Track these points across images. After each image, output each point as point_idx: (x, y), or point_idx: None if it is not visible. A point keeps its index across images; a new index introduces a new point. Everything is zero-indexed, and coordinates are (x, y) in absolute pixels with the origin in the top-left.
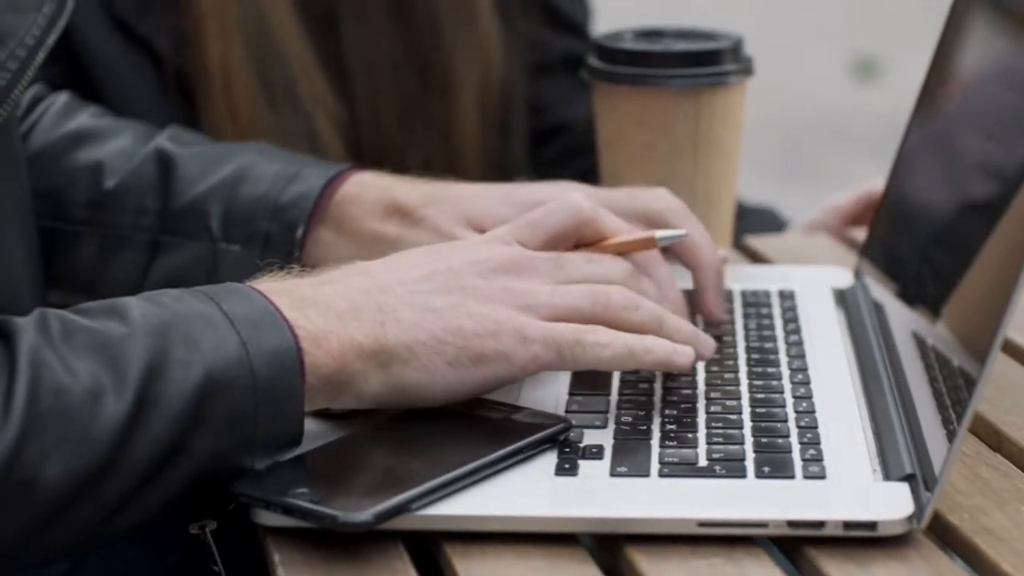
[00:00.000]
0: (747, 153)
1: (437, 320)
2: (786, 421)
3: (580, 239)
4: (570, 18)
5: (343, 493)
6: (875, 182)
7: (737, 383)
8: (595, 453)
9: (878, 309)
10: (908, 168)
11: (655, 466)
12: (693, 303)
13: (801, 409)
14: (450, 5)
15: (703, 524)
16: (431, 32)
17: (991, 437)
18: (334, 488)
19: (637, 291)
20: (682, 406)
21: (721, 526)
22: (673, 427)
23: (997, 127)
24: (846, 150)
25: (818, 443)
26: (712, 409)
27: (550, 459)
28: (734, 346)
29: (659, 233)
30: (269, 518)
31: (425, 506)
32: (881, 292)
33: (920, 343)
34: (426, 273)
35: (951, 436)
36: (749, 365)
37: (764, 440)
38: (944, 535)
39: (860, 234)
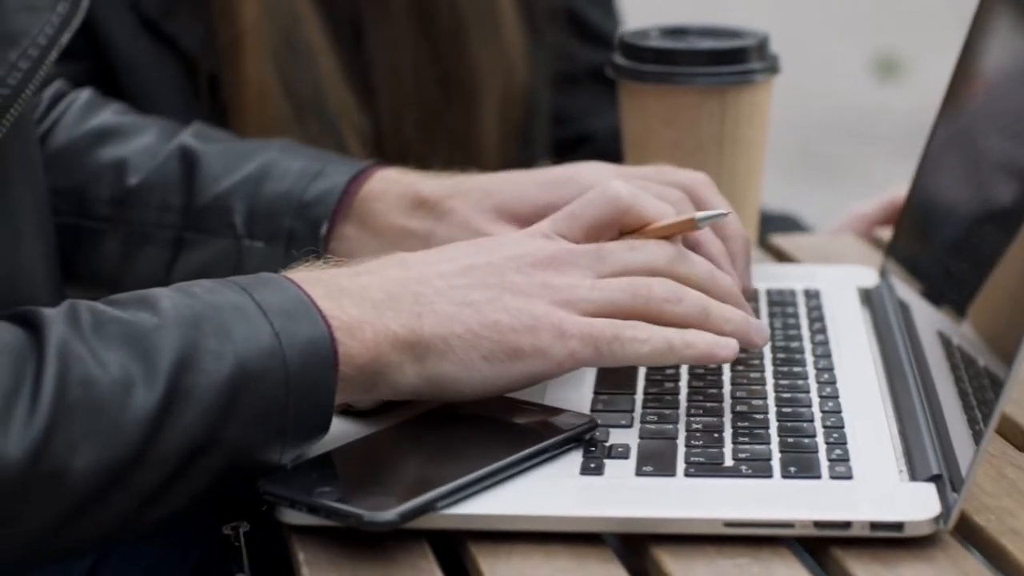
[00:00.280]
0: (768, 152)
1: (474, 314)
2: (812, 421)
3: (622, 227)
4: (598, 29)
5: (368, 492)
6: (900, 188)
7: (763, 382)
8: (621, 452)
9: (904, 308)
10: (934, 168)
11: (681, 466)
12: None
13: (827, 409)
14: (475, 16)
15: (729, 524)
16: (455, 43)
17: (1017, 437)
18: (359, 487)
19: (684, 274)
20: (708, 405)
21: (747, 526)
22: (699, 427)
23: (1023, 127)
24: (867, 149)
25: (844, 443)
26: (738, 408)
27: (576, 458)
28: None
29: (700, 214)
30: (294, 517)
31: (450, 505)
32: (907, 291)
33: (946, 343)
34: (464, 267)
35: (977, 437)
36: (775, 364)
37: (790, 440)
38: (971, 536)
39: (885, 233)
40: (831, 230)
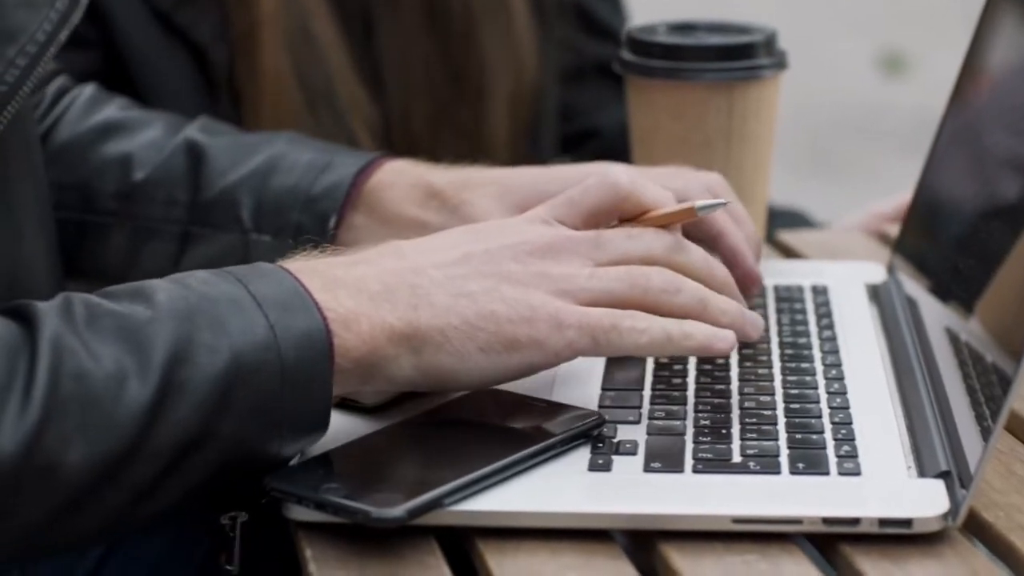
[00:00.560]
0: (775, 147)
1: (471, 304)
2: (820, 417)
3: (621, 214)
4: (606, 24)
5: (376, 488)
6: None
7: (771, 378)
8: (629, 449)
9: (911, 305)
10: (941, 164)
11: (689, 462)
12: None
13: (835, 405)
14: (486, 11)
15: (737, 520)
16: (466, 37)
17: None
18: (367, 483)
19: (682, 263)
20: (716, 401)
21: (756, 523)
22: (707, 423)
23: None
24: (873, 145)
25: (852, 439)
26: (746, 404)
27: (583, 455)
28: (768, 341)
29: (699, 203)
30: (301, 513)
31: (458, 502)
32: (914, 288)
33: (953, 339)
34: (461, 256)
35: (986, 433)
36: (783, 360)
37: (798, 436)
38: (979, 532)
39: (893, 230)
40: (845, 227)
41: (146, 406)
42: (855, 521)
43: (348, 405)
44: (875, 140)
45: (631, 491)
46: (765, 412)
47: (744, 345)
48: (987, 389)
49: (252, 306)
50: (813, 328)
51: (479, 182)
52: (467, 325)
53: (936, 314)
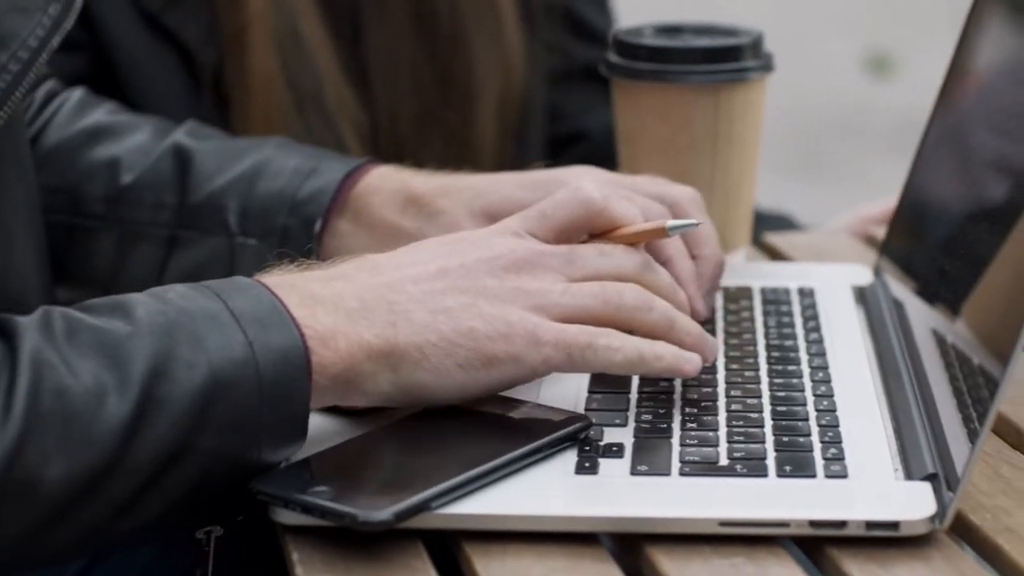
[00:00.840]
0: (761, 148)
1: (449, 321)
2: (807, 420)
3: (592, 229)
4: (593, 27)
5: (362, 491)
6: None
7: (757, 381)
8: (615, 452)
9: (898, 307)
10: (928, 166)
11: (676, 465)
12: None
13: (822, 407)
14: (475, 14)
15: (724, 524)
16: (454, 40)
17: (1011, 435)
18: (353, 486)
19: (649, 282)
20: (702, 404)
21: (743, 526)
22: (693, 425)
23: (1018, 125)
24: (860, 146)
25: (839, 442)
26: (732, 407)
27: (570, 457)
28: (754, 344)
29: (670, 222)
30: (288, 516)
31: (445, 505)
32: (901, 290)
33: (940, 341)
34: (437, 270)
35: (972, 435)
36: (769, 363)
37: (785, 439)
38: (966, 535)
39: (880, 232)
40: (833, 229)
41: (125, 421)
42: (842, 524)
43: (334, 408)
44: (861, 141)
45: (618, 494)
46: (752, 415)
47: (731, 347)
48: (974, 391)
49: (231, 322)
50: (800, 330)
51: (454, 189)
52: (445, 342)
53: (923, 316)
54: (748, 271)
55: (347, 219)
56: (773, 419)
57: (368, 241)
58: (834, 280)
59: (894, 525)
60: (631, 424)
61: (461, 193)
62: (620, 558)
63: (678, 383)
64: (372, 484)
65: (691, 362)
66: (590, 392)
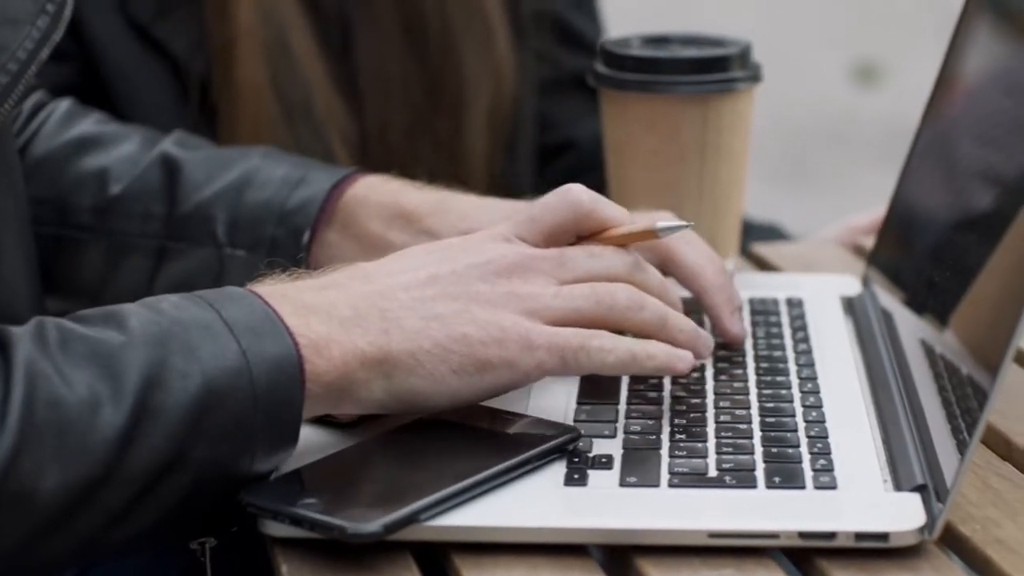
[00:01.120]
0: (749, 158)
1: (442, 327)
2: (796, 430)
3: (581, 232)
4: (582, 36)
5: (352, 504)
6: None
7: (746, 392)
8: (604, 463)
9: (887, 317)
10: (916, 176)
11: (665, 476)
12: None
13: (811, 418)
14: (465, 24)
15: (713, 535)
16: (445, 50)
17: (1001, 446)
18: (343, 499)
19: (641, 283)
20: (691, 415)
21: (732, 537)
22: (682, 436)
23: (1005, 135)
24: (847, 155)
25: (828, 453)
26: (721, 418)
27: (559, 469)
28: (743, 354)
29: (660, 224)
30: (277, 529)
31: (434, 517)
32: (889, 300)
33: (929, 351)
34: (428, 277)
35: (961, 446)
36: (758, 374)
37: (774, 450)
38: (956, 546)
39: (868, 242)
40: (822, 239)
41: (120, 431)
42: (831, 535)
43: (323, 420)
44: (848, 150)
45: (607, 506)
46: (741, 426)
47: (719, 358)
48: (963, 402)
49: (224, 331)
50: (788, 341)
51: (448, 209)
52: (439, 348)
53: (911, 327)
54: (737, 282)
55: (335, 230)
56: (762, 430)
57: (356, 251)
58: (823, 291)
59: (883, 536)
60: (620, 436)
61: (448, 215)
62: (609, 569)
63: (667, 393)
64: (361, 496)
65: (684, 360)
66: (579, 404)
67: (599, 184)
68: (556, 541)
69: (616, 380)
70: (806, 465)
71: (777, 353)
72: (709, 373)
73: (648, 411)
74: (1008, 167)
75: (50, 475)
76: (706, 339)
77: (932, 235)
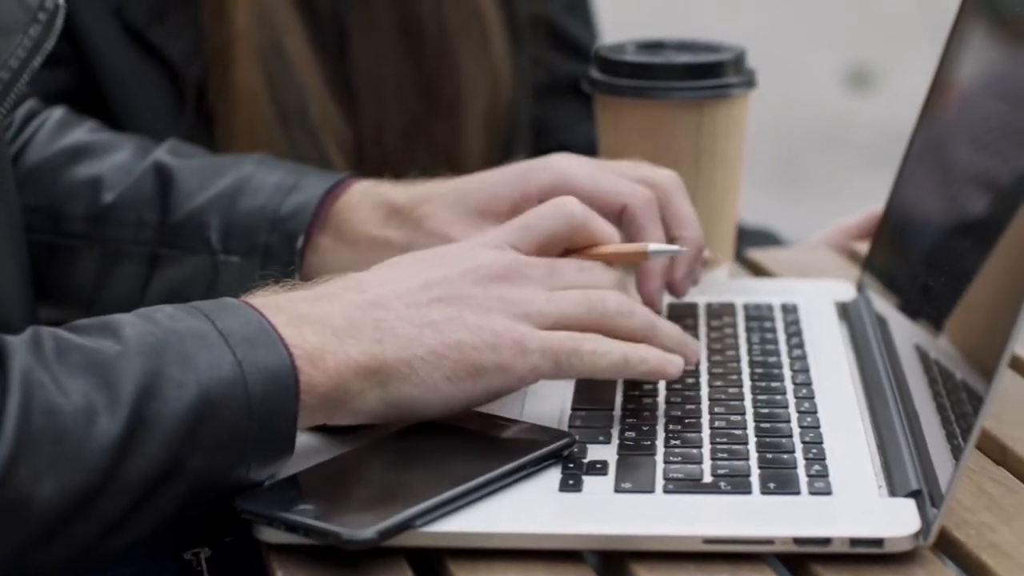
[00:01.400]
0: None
1: (435, 334)
2: (791, 436)
3: (572, 244)
4: (577, 42)
5: (347, 510)
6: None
7: (741, 398)
8: (599, 469)
9: (881, 323)
10: (911, 180)
11: (659, 482)
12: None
13: (806, 424)
14: (462, 27)
15: (708, 541)
16: (441, 53)
17: (995, 451)
18: (338, 505)
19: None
20: (686, 421)
21: (727, 543)
22: (677, 442)
23: (1000, 140)
24: (841, 159)
25: (823, 459)
26: (716, 424)
27: (554, 475)
28: (737, 360)
29: (652, 246)
30: (272, 535)
31: (429, 523)
32: (884, 305)
33: (923, 357)
34: (421, 284)
35: (956, 451)
36: (753, 379)
37: (769, 456)
38: (951, 551)
39: (863, 247)
40: (811, 243)
41: (116, 441)
42: (826, 541)
43: (318, 426)
44: (842, 154)
45: (602, 512)
46: (735, 432)
47: (714, 364)
48: (957, 407)
49: (219, 341)
50: (783, 347)
51: (436, 193)
52: (433, 355)
53: (906, 332)
54: (731, 287)
55: (328, 235)
56: (757, 436)
57: (350, 256)
58: (817, 296)
59: (878, 542)
60: (615, 441)
61: (445, 197)
62: (604, 575)
63: (661, 399)
64: (356, 502)
65: (674, 364)
66: (574, 409)
67: None
68: (551, 547)
69: (611, 386)
70: (801, 471)
71: (772, 359)
72: (704, 379)
73: (643, 417)
74: (1003, 172)
75: (46, 483)
76: (694, 345)
77: (927, 240)
